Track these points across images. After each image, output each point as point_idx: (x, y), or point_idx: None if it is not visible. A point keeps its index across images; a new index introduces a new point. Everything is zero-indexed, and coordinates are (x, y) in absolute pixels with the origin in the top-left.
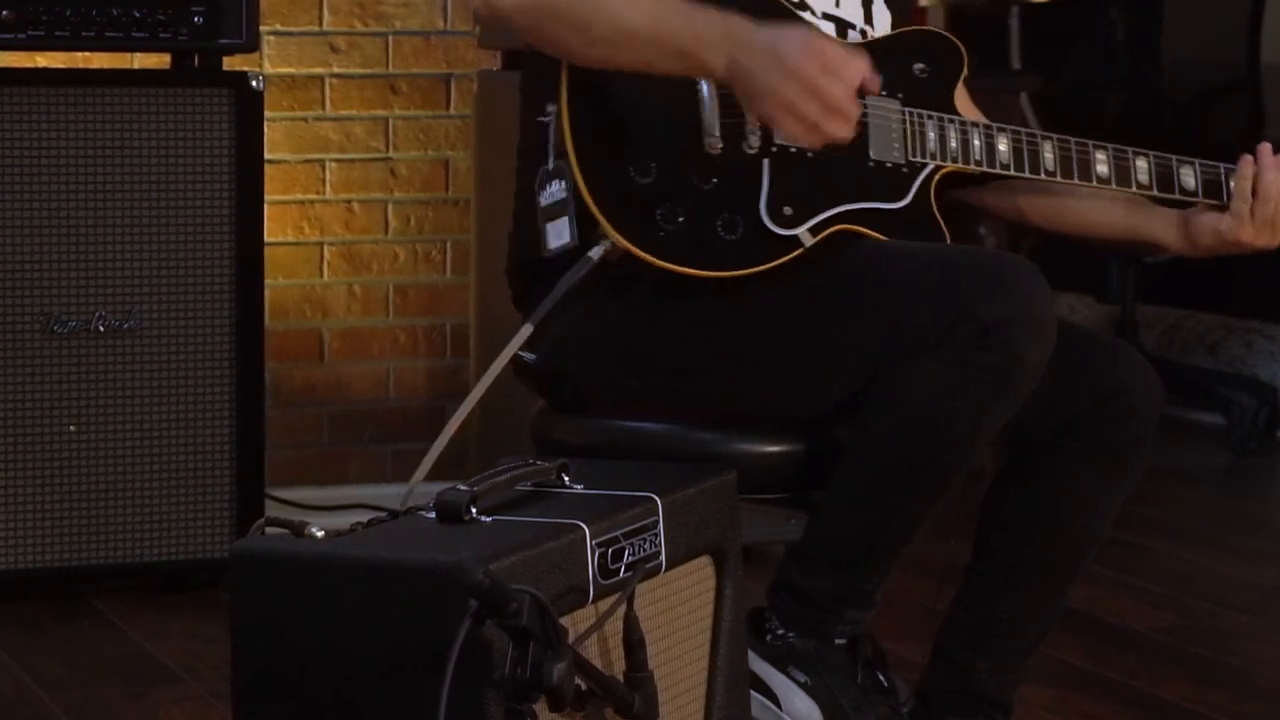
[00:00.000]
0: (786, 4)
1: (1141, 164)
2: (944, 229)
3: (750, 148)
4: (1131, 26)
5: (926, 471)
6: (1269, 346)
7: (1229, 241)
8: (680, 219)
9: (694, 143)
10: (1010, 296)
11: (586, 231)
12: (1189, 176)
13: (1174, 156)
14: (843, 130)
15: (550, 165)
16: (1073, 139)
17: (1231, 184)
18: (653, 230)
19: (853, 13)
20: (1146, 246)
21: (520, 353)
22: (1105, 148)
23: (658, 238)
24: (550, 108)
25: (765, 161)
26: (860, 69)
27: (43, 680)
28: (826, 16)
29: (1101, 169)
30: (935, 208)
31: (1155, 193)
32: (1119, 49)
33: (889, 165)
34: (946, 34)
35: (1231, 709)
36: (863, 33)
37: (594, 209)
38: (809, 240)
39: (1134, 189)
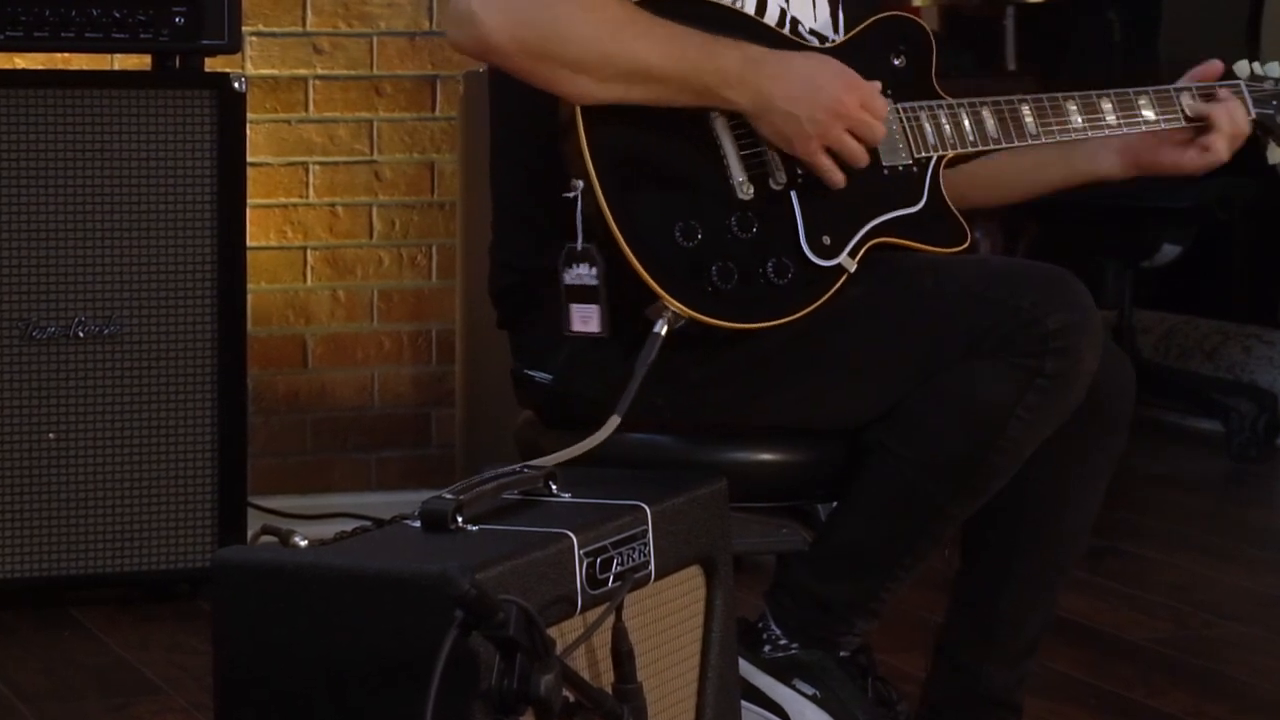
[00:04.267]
0: (786, 35)
1: (1107, 105)
2: (961, 220)
3: (777, 183)
4: (1130, 27)
5: (977, 474)
6: (1268, 352)
7: (1189, 167)
8: (735, 275)
9: (725, 192)
10: (1072, 306)
11: (622, 320)
12: (1147, 108)
13: (1130, 89)
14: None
15: (579, 246)
16: (1044, 95)
17: (1186, 106)
18: (713, 293)
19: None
20: (1090, 184)
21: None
22: (1073, 98)
23: (720, 300)
24: (576, 183)
25: (793, 194)
26: (883, 104)
27: (22, 691)
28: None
29: (1077, 119)
30: (947, 199)
31: (1123, 130)
32: (1116, 50)
33: (900, 169)
34: (907, 15)
35: None
36: (818, 34)
37: (653, 285)
38: (851, 265)
39: (1105, 132)
